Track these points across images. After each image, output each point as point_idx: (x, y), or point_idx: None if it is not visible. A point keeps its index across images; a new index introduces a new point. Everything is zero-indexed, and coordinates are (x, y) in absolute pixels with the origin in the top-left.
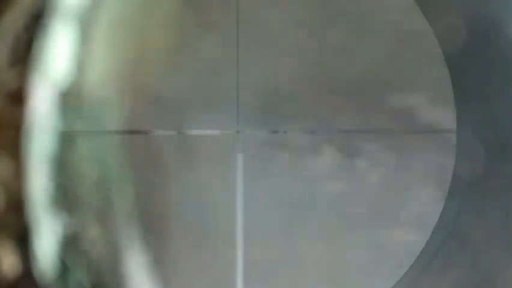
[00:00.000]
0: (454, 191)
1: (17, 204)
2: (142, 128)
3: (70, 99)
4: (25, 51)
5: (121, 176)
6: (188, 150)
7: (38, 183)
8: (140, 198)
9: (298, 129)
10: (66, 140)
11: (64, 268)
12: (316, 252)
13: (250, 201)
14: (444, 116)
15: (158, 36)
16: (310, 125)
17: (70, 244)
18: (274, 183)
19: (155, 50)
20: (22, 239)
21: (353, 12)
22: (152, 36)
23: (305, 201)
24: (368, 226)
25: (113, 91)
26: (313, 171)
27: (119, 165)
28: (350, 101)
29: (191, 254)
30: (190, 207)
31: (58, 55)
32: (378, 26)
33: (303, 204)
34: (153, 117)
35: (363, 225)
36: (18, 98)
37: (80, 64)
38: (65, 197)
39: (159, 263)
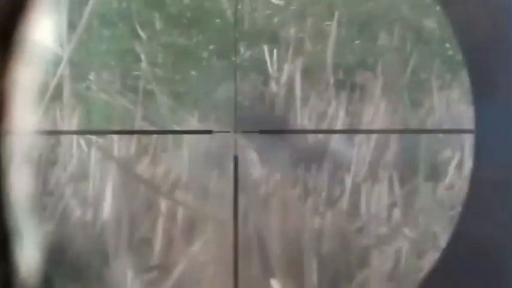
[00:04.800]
0: (472, 195)
1: None
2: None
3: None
4: (5, 45)
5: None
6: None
7: (20, 187)
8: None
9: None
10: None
11: (47, 278)
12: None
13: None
14: (463, 115)
15: None
16: None
17: (54, 253)
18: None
19: None
20: (3, 247)
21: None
22: None
23: None
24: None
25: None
26: None
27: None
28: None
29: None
30: None
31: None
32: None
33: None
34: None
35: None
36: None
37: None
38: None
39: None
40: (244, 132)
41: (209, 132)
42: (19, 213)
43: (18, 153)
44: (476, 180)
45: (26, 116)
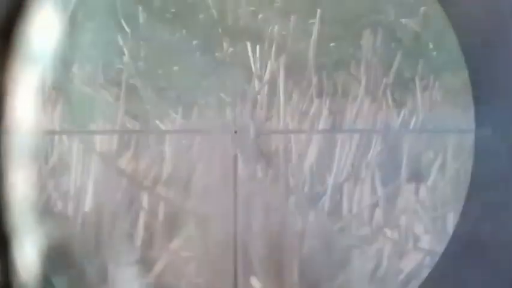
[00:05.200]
0: (472, 195)
1: None
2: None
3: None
4: (5, 44)
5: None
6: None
7: (20, 187)
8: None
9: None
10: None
11: (46, 280)
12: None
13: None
14: (463, 116)
15: None
16: None
17: (53, 255)
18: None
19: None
20: (2, 249)
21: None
22: None
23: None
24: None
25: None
26: None
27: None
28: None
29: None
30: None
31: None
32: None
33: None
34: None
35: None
36: None
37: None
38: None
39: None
40: (243, 132)
41: (208, 132)
42: (19, 213)
43: (18, 152)
44: (476, 180)
45: (25, 115)
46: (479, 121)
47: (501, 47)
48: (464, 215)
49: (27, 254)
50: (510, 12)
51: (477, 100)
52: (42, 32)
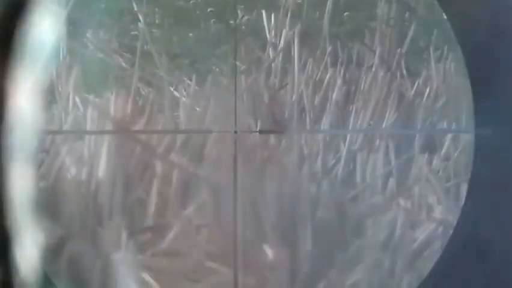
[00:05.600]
0: (472, 195)
1: None
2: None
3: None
4: (6, 44)
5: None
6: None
7: (21, 186)
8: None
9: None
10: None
11: (46, 278)
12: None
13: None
14: (462, 116)
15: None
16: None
17: (53, 253)
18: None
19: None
20: (2, 247)
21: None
22: None
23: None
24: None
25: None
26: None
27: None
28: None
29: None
30: None
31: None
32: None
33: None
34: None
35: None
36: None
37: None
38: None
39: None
40: (243, 132)
41: (209, 132)
42: (19, 213)
43: (19, 149)
44: (476, 180)
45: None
46: (479, 120)
47: (502, 46)
48: (464, 214)
49: (28, 253)
50: (510, 12)
51: (477, 99)
52: (43, 30)
